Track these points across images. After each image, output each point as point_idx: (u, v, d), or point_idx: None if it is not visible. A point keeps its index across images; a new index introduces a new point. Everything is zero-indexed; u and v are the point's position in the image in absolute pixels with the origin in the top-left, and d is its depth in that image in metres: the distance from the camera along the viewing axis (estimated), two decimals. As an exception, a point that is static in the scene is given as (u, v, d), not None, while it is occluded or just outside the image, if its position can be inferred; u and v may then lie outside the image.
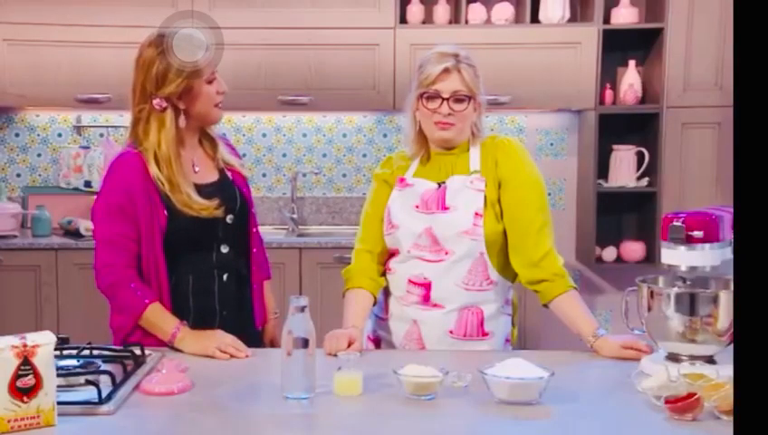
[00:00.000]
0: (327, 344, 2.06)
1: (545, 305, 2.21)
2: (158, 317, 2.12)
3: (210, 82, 2.17)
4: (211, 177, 2.25)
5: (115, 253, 2.13)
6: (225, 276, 2.23)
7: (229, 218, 2.22)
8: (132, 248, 2.14)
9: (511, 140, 2.27)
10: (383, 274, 2.28)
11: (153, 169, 2.13)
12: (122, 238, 2.13)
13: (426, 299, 2.20)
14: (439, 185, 2.21)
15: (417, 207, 2.21)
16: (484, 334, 2.22)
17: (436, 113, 2.16)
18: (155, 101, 2.13)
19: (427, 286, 2.19)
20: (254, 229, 2.34)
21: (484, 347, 2.21)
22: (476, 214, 2.16)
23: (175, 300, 2.17)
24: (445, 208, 2.18)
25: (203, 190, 2.19)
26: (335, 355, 1.90)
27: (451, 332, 2.20)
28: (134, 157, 2.15)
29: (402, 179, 2.26)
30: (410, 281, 2.21)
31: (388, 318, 2.28)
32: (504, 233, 2.20)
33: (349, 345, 2.04)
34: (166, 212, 2.14)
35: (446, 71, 2.14)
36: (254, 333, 2.32)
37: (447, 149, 2.24)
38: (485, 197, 2.18)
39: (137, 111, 2.17)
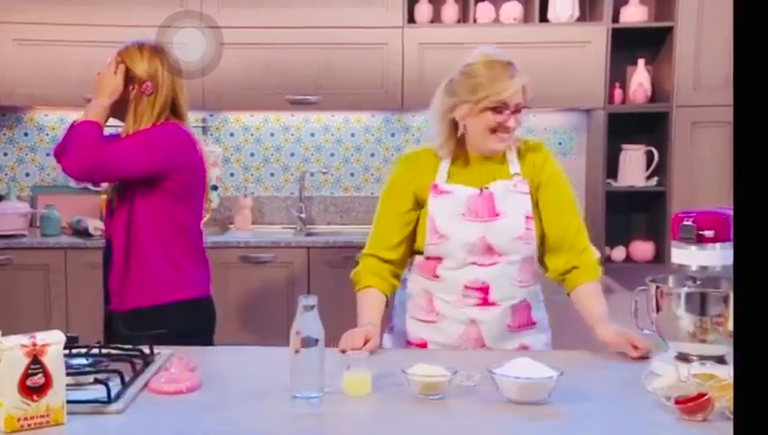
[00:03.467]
0: (342, 342, 2.06)
1: (568, 294, 2.23)
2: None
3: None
4: None
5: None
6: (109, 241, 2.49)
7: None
8: None
9: (542, 144, 2.30)
10: (397, 275, 2.26)
11: None
12: None
13: (485, 300, 2.18)
14: (481, 190, 2.19)
15: (463, 214, 2.18)
16: (533, 323, 2.25)
17: (500, 125, 2.14)
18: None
19: (485, 289, 2.17)
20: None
21: (535, 336, 2.24)
22: (527, 217, 2.17)
23: None
24: (495, 215, 2.17)
25: None
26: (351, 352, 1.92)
27: (509, 326, 2.20)
28: None
29: (436, 186, 2.21)
30: (467, 287, 2.18)
31: (438, 320, 2.22)
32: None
33: (365, 344, 2.04)
34: None
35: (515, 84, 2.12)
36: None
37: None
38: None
39: None
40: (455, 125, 2.18)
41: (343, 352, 2.00)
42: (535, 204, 2.21)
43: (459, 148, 2.22)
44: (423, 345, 2.25)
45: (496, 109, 2.12)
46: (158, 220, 2.40)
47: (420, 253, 2.24)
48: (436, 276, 2.21)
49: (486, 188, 2.18)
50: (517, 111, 2.14)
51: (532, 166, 2.22)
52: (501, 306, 2.19)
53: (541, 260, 2.26)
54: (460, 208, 2.18)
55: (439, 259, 2.20)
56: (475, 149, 2.21)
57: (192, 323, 2.41)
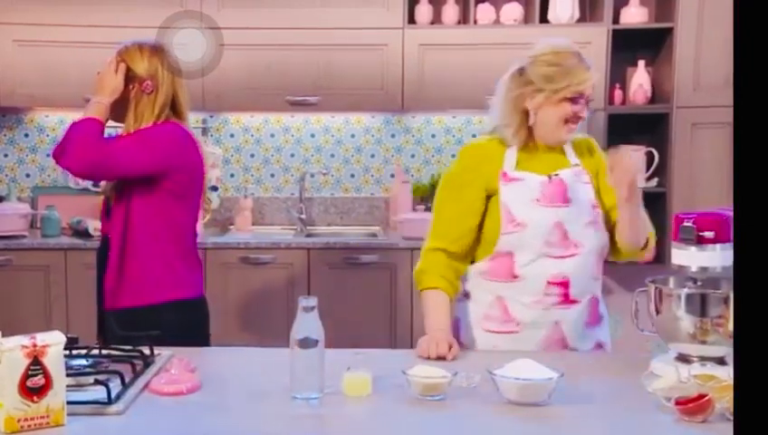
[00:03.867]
0: (425, 349, 2.05)
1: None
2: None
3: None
4: None
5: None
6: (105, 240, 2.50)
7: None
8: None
9: (592, 139, 2.35)
10: (458, 274, 2.21)
11: None
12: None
13: (566, 297, 2.16)
14: (550, 177, 2.19)
15: (538, 200, 2.17)
16: (601, 318, 2.25)
17: (575, 115, 2.16)
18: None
19: (565, 284, 2.15)
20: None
21: (604, 332, 2.25)
22: (593, 205, 2.20)
23: None
24: (567, 201, 2.17)
25: None
26: (442, 358, 2.00)
27: (586, 323, 2.20)
28: None
29: (505, 174, 2.19)
30: (549, 283, 2.15)
31: (519, 330, 2.17)
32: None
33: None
34: None
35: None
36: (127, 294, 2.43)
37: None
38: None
39: None
40: (526, 114, 2.18)
41: (441, 358, 2.02)
42: (596, 193, 2.23)
43: (531, 136, 2.21)
44: None
45: (573, 99, 2.14)
46: (156, 220, 2.41)
47: (483, 256, 2.20)
48: (515, 276, 2.16)
49: (556, 174, 2.19)
50: (587, 102, 2.17)
51: (591, 158, 2.27)
52: (581, 302, 2.17)
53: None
54: (534, 194, 2.17)
55: (511, 255, 2.16)
56: (541, 138, 2.20)
57: (186, 324, 2.41)
